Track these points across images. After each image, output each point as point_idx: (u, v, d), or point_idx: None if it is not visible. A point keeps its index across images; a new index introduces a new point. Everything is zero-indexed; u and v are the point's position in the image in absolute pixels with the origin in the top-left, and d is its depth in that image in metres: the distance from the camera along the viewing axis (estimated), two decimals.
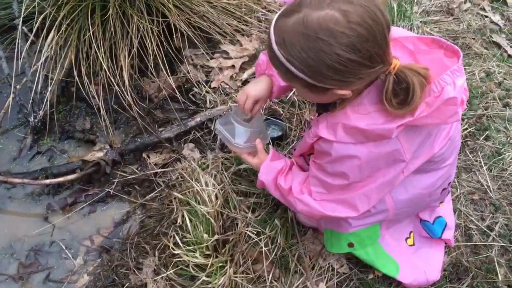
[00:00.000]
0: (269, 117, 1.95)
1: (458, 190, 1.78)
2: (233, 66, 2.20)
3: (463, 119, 1.97)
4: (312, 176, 1.29)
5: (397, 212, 1.39)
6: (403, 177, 1.23)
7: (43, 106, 2.02)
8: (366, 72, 1.03)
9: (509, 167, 1.85)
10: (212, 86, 2.15)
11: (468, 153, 1.89)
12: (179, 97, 2.09)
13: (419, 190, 1.35)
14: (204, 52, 2.20)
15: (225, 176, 1.79)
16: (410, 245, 1.56)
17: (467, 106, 2.03)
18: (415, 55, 1.16)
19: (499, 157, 1.87)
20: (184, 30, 2.10)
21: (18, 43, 1.88)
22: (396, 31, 1.19)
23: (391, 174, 1.19)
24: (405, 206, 1.38)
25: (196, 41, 2.15)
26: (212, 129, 2.02)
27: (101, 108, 2.01)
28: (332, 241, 1.49)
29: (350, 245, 1.45)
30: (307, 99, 1.86)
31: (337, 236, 1.45)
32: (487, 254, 1.63)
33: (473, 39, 2.36)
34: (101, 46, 1.97)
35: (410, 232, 1.58)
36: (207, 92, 2.13)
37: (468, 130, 1.95)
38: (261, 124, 1.56)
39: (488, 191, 1.79)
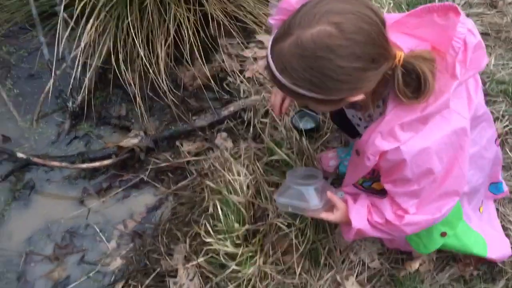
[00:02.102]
0: (302, 109, 1.94)
1: None
2: None
3: (503, 116, 1.91)
4: (396, 196, 1.21)
5: (468, 180, 1.29)
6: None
7: (81, 92, 2.06)
8: (373, 74, 1.01)
9: None
10: (247, 76, 2.15)
11: (508, 151, 1.83)
12: (214, 86, 2.10)
13: (474, 148, 1.29)
14: (239, 42, 2.19)
15: (257, 167, 1.78)
16: (481, 213, 1.51)
17: (509, 102, 1.97)
18: (412, 34, 1.13)
19: None
20: (221, 19, 2.10)
21: (59, 29, 1.92)
22: (387, 19, 1.14)
23: (465, 141, 1.13)
24: (470, 169, 1.29)
25: (231, 30, 2.14)
26: (245, 119, 2.02)
27: (136, 96, 2.04)
28: (423, 242, 1.39)
29: (443, 234, 1.35)
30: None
31: (427, 233, 1.35)
32: None
33: None
34: (138, 34, 1.99)
35: (482, 200, 1.52)
36: (241, 81, 2.13)
37: (509, 127, 1.88)
38: (317, 172, 1.49)
39: None
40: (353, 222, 1.29)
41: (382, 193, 1.30)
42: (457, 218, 1.36)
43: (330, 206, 1.36)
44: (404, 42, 1.10)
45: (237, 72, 2.15)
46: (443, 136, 1.09)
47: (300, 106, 1.94)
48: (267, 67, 1.05)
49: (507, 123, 1.89)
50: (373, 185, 1.39)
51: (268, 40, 2.18)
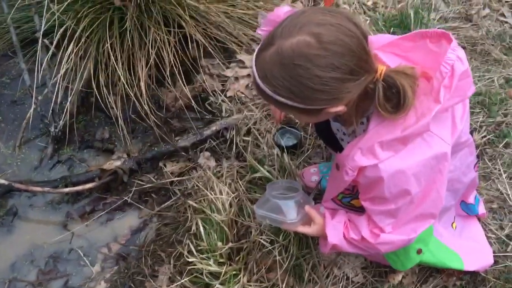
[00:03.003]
0: (284, 126, 1.96)
1: None
2: (248, 75, 2.21)
3: (481, 126, 1.94)
4: (373, 215, 1.22)
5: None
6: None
7: (63, 116, 2.07)
8: (352, 85, 1.03)
9: None
10: (228, 95, 2.17)
11: (487, 161, 1.85)
12: (195, 107, 2.12)
13: (453, 173, 1.31)
14: (220, 62, 2.22)
15: (240, 185, 1.80)
16: (454, 229, 1.54)
17: (486, 113, 2.00)
18: (404, 56, 1.16)
19: None
20: (200, 40, 2.13)
21: (39, 55, 1.94)
22: (380, 39, 1.20)
23: (445, 166, 1.15)
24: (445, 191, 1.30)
25: (212, 51, 2.17)
26: (227, 138, 2.03)
27: (119, 118, 2.05)
28: (401, 260, 1.40)
29: (419, 251, 1.37)
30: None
31: (404, 251, 1.37)
32: (506, 264, 1.59)
33: (492, 45, 2.32)
34: (119, 57, 2.01)
35: (454, 216, 1.54)
36: (223, 101, 2.15)
37: (487, 138, 1.91)
38: (297, 184, 1.51)
39: (508, 199, 1.75)
40: (329, 237, 1.30)
41: (361, 210, 1.31)
42: (428, 234, 1.38)
43: (308, 219, 1.38)
44: (393, 62, 1.12)
45: (219, 92, 2.18)
46: (423, 159, 1.11)
47: (283, 123, 1.96)
48: (252, 76, 1.09)
49: (484, 133, 1.92)
50: (352, 201, 1.40)
51: (249, 58, 2.23)
